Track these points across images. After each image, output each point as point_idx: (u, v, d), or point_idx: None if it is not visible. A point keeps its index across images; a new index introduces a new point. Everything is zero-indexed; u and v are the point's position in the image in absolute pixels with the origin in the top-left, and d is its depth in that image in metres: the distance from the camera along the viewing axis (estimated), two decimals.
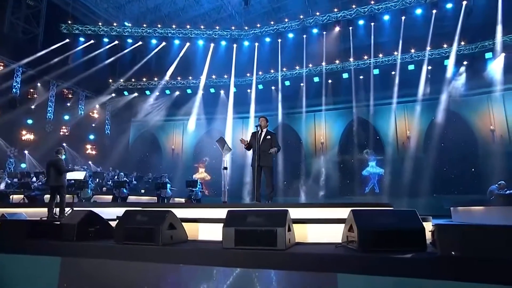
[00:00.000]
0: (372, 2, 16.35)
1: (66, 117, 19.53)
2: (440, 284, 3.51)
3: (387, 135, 17.77)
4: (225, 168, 7.27)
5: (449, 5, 15.37)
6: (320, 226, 5.27)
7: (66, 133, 19.37)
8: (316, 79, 18.63)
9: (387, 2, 16.13)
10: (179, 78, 20.67)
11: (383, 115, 17.77)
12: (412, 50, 16.90)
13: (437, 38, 16.22)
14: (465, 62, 16.17)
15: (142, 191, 15.64)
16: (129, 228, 5.04)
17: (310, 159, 18.38)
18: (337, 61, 18.26)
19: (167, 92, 20.86)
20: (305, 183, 17.01)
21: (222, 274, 4.59)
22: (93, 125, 20.84)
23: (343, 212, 6.17)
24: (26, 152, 17.00)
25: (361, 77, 17.83)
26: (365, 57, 17.69)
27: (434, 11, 15.55)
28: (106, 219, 5.86)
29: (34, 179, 13.67)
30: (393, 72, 17.34)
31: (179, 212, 5.45)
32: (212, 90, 20.47)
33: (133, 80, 20.70)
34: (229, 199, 16.22)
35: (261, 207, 6.86)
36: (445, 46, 16.39)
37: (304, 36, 17.98)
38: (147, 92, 20.99)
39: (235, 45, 19.19)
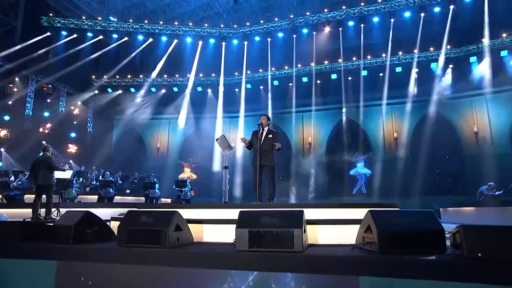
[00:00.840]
0: (362, 4, 16.45)
1: (46, 114, 18.77)
2: (468, 286, 3.43)
3: (375, 136, 17.93)
4: (226, 167, 7.00)
5: (436, 9, 15.64)
6: (330, 227, 5.13)
7: (46, 131, 18.60)
8: (304, 79, 18.58)
9: (377, 4, 16.26)
10: (165, 75, 20.16)
11: (371, 116, 17.89)
12: (400, 53, 17.10)
13: (424, 41, 16.46)
14: (450, 66, 16.48)
15: (128, 191, 15.16)
16: (132, 229, 4.77)
17: (298, 160, 18.30)
18: (326, 62, 18.26)
19: (153, 90, 20.30)
20: (294, 184, 16.93)
21: (236, 278, 4.39)
22: (75, 122, 20.09)
23: (352, 213, 6.09)
24: (2, 150, 16.22)
25: (350, 78, 17.90)
26: (354, 58, 17.76)
27: (422, 15, 15.80)
28: None
29: (13, 178, 13.01)
30: (381, 74, 17.48)
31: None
32: (199, 89, 20.09)
33: (117, 76, 20.04)
34: (220, 199, 16.00)
35: (264, 207, 6.67)
36: (431, 49, 16.67)
37: (294, 36, 17.91)
38: (132, 90, 20.40)
39: (223, 43, 18.91)
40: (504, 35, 15.22)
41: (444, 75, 16.48)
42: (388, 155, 17.09)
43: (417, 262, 3.74)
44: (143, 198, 13.58)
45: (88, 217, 5.29)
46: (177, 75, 20.26)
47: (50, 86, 19.14)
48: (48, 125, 18.72)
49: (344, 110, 17.89)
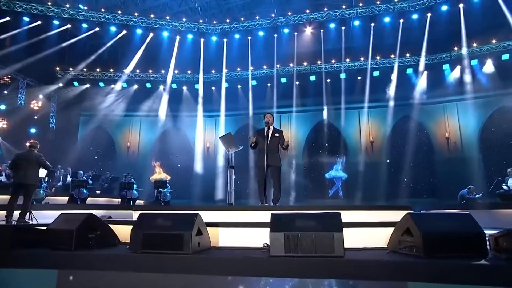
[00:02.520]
0: (344, 7, 16.60)
1: (2, 107, 17.22)
2: None
3: (352, 139, 18.12)
4: (231, 167, 6.58)
5: (415, 16, 16.10)
6: (354, 230, 4.91)
7: (3, 125, 17.04)
8: (283, 80, 18.39)
9: (358, 8, 16.48)
10: (138, 71, 19.08)
11: (348, 119, 18.05)
12: (378, 57, 17.42)
13: (401, 47, 16.83)
14: (425, 72, 17.00)
15: (98, 191, 14.15)
16: (148, 234, 4.28)
17: None
18: (305, 63, 18.21)
19: (124, 85, 19.13)
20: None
21: (269, 286, 4.04)
22: (36, 117, 18.54)
23: (363, 216, 5.91)
24: None
25: (329, 80, 17.97)
26: (333, 61, 17.85)
27: (401, 21, 16.20)
28: None
29: None
30: (359, 77, 17.71)
31: None
32: (174, 86, 19.20)
33: (85, 70, 18.69)
34: (204, 202, 15.44)
35: (271, 209, 6.34)
36: (407, 55, 17.13)
37: (275, 35, 17.71)
38: (101, 84, 19.11)
39: (202, 40, 18.29)
40: (474, 44, 15.96)
41: (419, 80, 16.98)
42: (364, 158, 17.29)
43: (469, 267, 3.59)
44: (118, 199, 12.76)
45: (90, 219, 4.70)
46: (150, 71, 19.29)
47: (7, 76, 17.57)
48: (5, 119, 17.17)
49: (321, 112, 17.93)
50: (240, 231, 4.98)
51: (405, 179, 16.24)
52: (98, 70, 19.05)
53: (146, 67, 19.18)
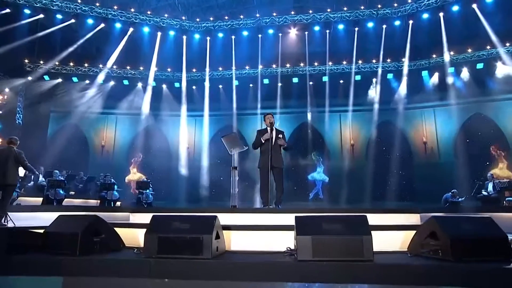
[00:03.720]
0: (329, 10, 16.70)
1: None
2: None
3: (333, 142, 18.19)
4: (235, 168, 6.33)
5: (397, 22, 16.48)
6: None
7: None
8: (266, 81, 18.19)
9: (342, 11, 16.64)
10: (115, 67, 18.13)
11: (329, 122, 18.07)
12: (360, 61, 17.55)
13: (383, 52, 17.11)
14: (405, 78, 17.36)
15: (72, 192, 13.37)
16: (164, 237, 3.99)
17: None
18: (288, 65, 18.14)
19: (101, 81, 18.14)
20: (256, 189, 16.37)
21: None
22: (0, 112, 17.27)
23: (373, 219, 5.82)
24: None
25: (311, 83, 17.98)
26: (316, 64, 17.88)
27: (384, 26, 16.51)
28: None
29: None
30: (341, 81, 17.86)
31: None
32: (153, 84, 18.44)
33: (57, 63, 17.59)
34: (188, 203, 14.93)
35: (276, 212, 6.17)
36: (388, 60, 17.44)
37: (260, 35, 17.52)
38: (75, 79, 18.07)
39: (184, 37, 17.77)
40: (452, 53, 16.45)
41: (399, 86, 17.34)
42: (344, 162, 17.39)
43: (501, 271, 3.58)
44: (95, 200, 12.08)
45: (95, 222, 4.32)
46: (128, 67, 18.48)
47: None
48: None
49: (306, 114, 17.89)
50: (253, 234, 4.77)
51: (383, 181, 16.47)
52: (71, 64, 17.98)
53: (124, 63, 18.30)
